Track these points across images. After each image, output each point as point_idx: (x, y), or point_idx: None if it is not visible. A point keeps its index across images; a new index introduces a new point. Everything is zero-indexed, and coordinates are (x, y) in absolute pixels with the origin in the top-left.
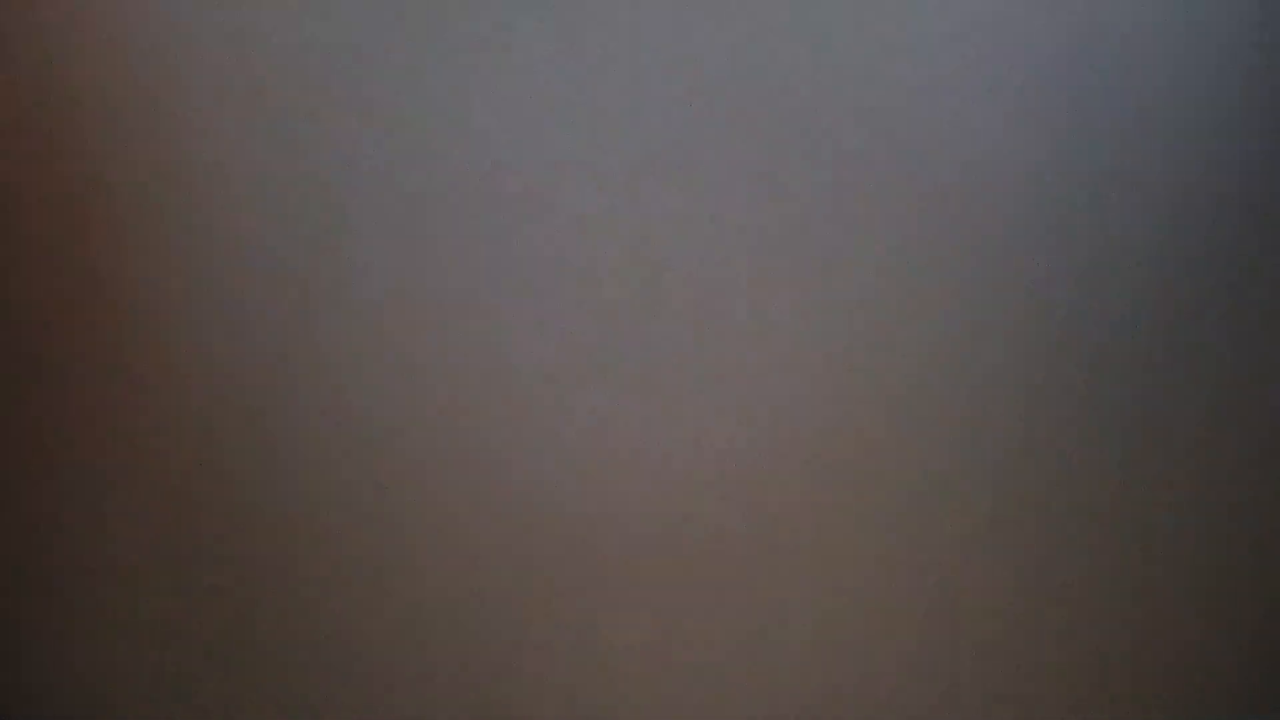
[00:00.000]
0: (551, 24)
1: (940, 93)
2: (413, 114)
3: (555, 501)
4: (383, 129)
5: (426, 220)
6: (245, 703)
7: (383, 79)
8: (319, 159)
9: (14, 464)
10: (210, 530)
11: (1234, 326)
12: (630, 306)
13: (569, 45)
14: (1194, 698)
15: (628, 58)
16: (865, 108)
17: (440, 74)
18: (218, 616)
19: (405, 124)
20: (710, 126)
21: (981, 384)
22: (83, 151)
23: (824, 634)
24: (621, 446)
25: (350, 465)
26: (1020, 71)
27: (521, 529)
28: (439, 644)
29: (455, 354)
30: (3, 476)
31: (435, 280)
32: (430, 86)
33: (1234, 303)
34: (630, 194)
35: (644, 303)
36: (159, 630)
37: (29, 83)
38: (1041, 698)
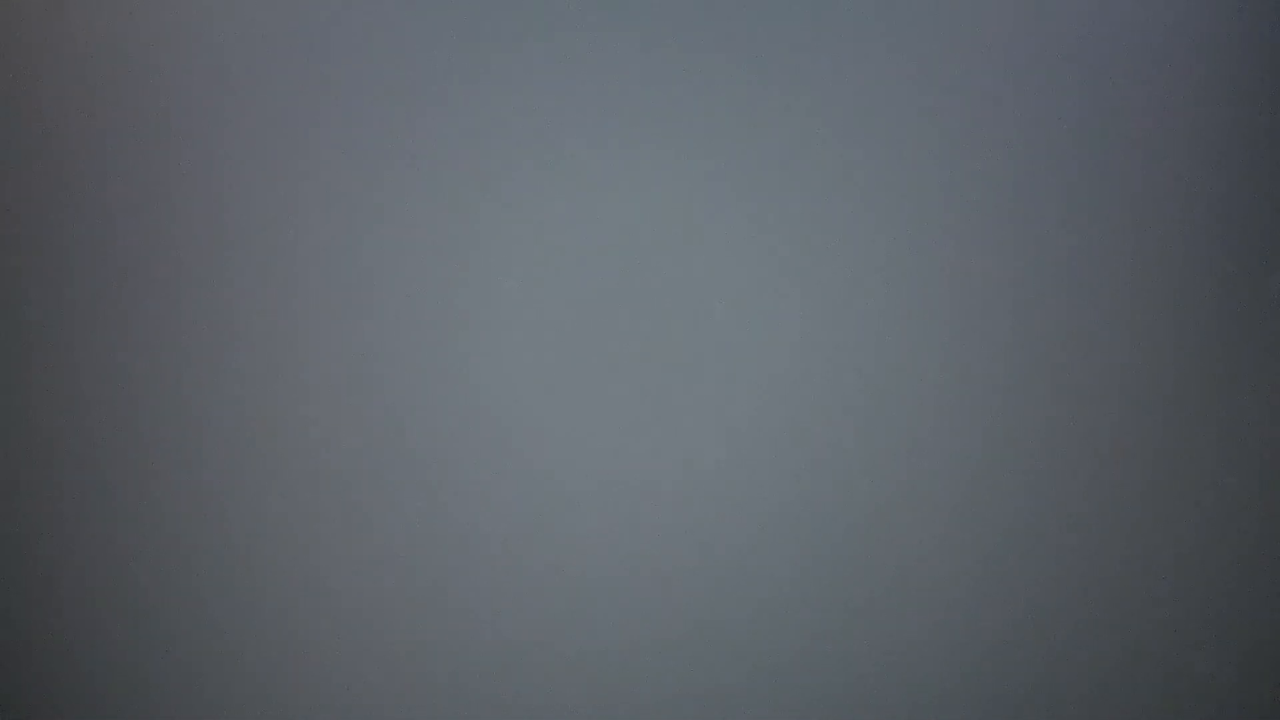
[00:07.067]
0: (553, 26)
1: (934, 92)
2: (405, 117)
3: (551, 505)
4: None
5: (418, 222)
6: (247, 695)
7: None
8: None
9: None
10: (207, 529)
11: (1233, 327)
12: (618, 309)
13: (566, 47)
14: (1192, 697)
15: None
16: (855, 109)
17: (437, 79)
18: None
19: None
20: (701, 135)
21: (973, 385)
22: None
23: (817, 634)
24: (614, 452)
25: (347, 466)
26: (1021, 74)
27: (520, 528)
28: (430, 647)
29: (458, 356)
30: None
31: (427, 282)
32: (425, 92)
33: (1235, 302)
34: (614, 196)
35: (633, 306)
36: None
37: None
38: (1039, 697)
